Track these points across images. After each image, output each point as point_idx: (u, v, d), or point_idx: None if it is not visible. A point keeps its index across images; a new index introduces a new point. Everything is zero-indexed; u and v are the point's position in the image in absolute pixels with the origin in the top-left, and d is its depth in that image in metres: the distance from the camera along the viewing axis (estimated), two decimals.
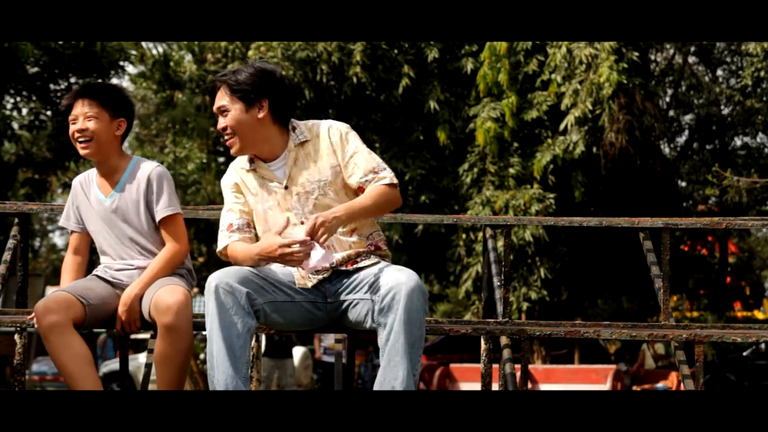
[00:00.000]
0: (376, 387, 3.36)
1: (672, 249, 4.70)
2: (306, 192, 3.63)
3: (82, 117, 3.74)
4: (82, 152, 3.78)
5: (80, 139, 3.76)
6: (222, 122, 3.67)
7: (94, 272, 3.84)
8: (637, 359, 18.15)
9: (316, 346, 15.21)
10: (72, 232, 3.91)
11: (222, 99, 3.67)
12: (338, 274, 3.60)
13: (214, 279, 3.40)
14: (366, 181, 3.62)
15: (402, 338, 3.33)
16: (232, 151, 3.70)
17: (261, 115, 3.65)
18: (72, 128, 3.77)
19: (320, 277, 3.58)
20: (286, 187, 3.66)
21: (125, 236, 3.81)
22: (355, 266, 3.59)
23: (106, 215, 3.82)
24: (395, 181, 3.66)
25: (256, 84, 3.65)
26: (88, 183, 3.88)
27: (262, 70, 3.69)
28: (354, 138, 3.69)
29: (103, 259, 3.88)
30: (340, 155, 3.65)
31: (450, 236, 14.82)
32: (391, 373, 3.34)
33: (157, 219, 3.81)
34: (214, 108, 3.71)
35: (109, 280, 3.79)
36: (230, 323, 3.37)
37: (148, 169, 3.84)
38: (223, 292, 3.37)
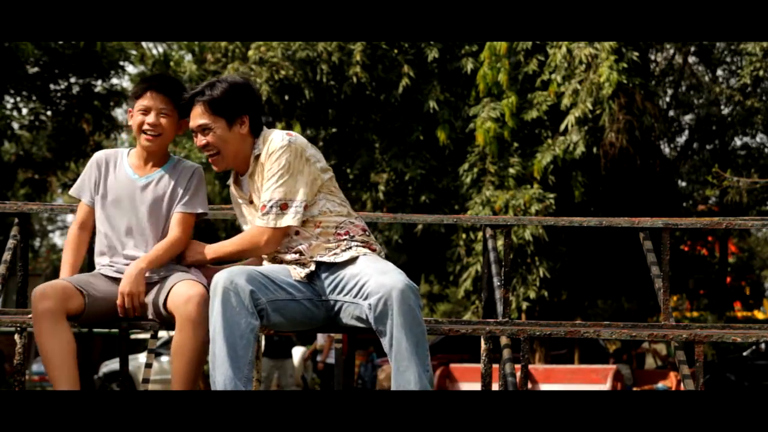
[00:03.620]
0: None
1: (672, 249, 4.70)
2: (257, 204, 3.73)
3: (156, 111, 3.77)
4: (144, 143, 3.80)
5: (150, 132, 3.78)
6: (203, 140, 3.70)
7: (98, 271, 3.82)
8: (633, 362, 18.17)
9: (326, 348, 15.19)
10: (82, 203, 3.89)
11: (201, 117, 3.68)
12: (322, 267, 3.61)
13: (220, 278, 3.41)
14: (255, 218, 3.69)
15: (404, 342, 3.34)
16: (218, 169, 3.77)
17: (243, 130, 3.70)
18: (142, 118, 3.78)
19: (307, 271, 3.60)
20: (250, 201, 3.75)
21: (141, 224, 3.80)
22: (335, 258, 3.59)
23: (131, 196, 3.80)
24: (271, 224, 3.61)
25: (236, 100, 3.68)
26: (116, 161, 3.88)
27: (237, 85, 3.72)
28: (275, 158, 3.62)
29: (103, 246, 3.83)
30: (263, 174, 3.67)
31: (450, 236, 14.82)
32: (403, 378, 3.36)
33: (183, 210, 3.82)
34: (194, 126, 3.72)
35: (115, 276, 3.77)
36: (234, 323, 3.37)
37: (193, 166, 3.90)
38: (228, 292, 3.38)
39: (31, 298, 3.55)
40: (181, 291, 3.57)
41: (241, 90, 3.71)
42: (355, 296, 3.47)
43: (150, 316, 3.74)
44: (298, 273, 3.60)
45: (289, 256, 3.65)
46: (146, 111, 3.78)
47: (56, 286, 3.56)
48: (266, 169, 3.63)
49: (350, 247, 3.62)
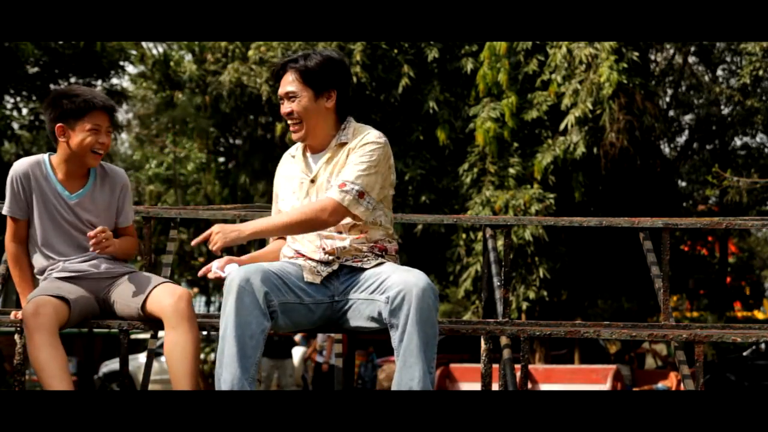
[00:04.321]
0: (394, 387, 3.39)
1: (672, 249, 4.70)
2: (322, 189, 3.67)
3: (105, 130, 3.81)
4: (92, 162, 3.82)
5: (101, 151, 3.82)
6: (288, 107, 3.67)
7: (53, 276, 3.80)
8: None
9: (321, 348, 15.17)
10: (14, 219, 3.86)
11: (291, 84, 3.66)
12: (346, 270, 3.61)
13: (236, 277, 3.40)
14: (328, 189, 3.61)
15: (416, 338, 3.35)
16: (295, 137, 3.72)
17: (329, 105, 3.67)
18: (94, 138, 3.79)
19: (330, 270, 3.59)
20: (312, 180, 3.69)
21: (79, 240, 3.81)
22: (360, 264, 3.60)
23: (65, 214, 3.81)
24: (345, 202, 3.54)
25: (327, 73, 3.66)
26: (42, 174, 3.83)
27: (332, 59, 3.69)
28: (369, 150, 3.61)
29: (48, 257, 3.83)
30: (349, 160, 3.64)
31: (450, 236, 14.82)
32: (408, 374, 3.36)
33: (127, 224, 3.95)
34: (281, 92, 3.70)
35: (71, 276, 3.78)
36: (246, 323, 3.37)
37: (123, 176, 3.97)
38: (243, 291, 3.38)
39: (23, 314, 3.56)
40: (167, 291, 3.61)
41: (334, 65, 3.68)
42: (373, 292, 3.47)
43: (119, 313, 3.78)
44: (316, 272, 3.59)
45: (318, 256, 3.64)
46: (97, 130, 3.78)
47: (47, 303, 3.57)
48: (357, 154, 3.61)
49: (377, 257, 3.64)
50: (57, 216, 3.81)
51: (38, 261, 3.85)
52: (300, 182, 3.72)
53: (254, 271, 3.43)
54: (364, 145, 3.62)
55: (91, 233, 3.71)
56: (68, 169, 3.84)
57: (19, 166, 3.84)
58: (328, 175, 3.66)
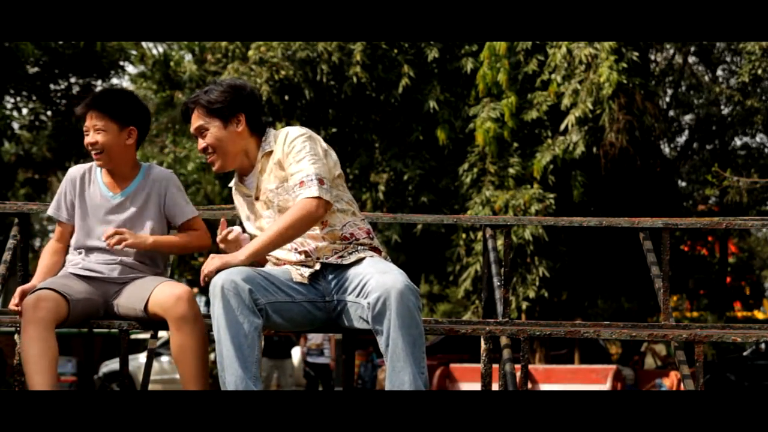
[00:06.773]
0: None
1: (672, 249, 4.70)
2: (269, 200, 3.70)
3: (92, 130, 3.79)
4: (97, 163, 3.85)
5: (92, 151, 3.82)
6: (202, 143, 3.75)
7: (68, 270, 3.82)
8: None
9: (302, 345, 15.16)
10: (59, 222, 3.91)
11: (198, 120, 3.74)
12: (330, 269, 3.62)
13: (219, 279, 3.42)
14: (295, 196, 3.60)
15: (401, 342, 3.35)
16: (214, 169, 3.79)
17: (239, 129, 3.72)
18: (85, 140, 3.83)
19: (312, 270, 3.60)
20: (256, 198, 3.74)
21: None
22: (341, 260, 3.60)
23: (105, 212, 3.83)
24: (316, 193, 3.53)
25: (230, 100, 3.72)
26: (90, 177, 3.88)
27: (232, 86, 3.77)
28: (300, 143, 3.63)
29: (77, 256, 3.85)
30: (286, 163, 3.66)
31: (450, 236, 14.82)
32: (398, 379, 3.37)
33: (184, 219, 3.90)
34: (192, 130, 3.78)
35: (85, 275, 3.78)
36: (237, 323, 3.38)
37: (165, 175, 3.93)
38: (227, 293, 3.39)
39: (23, 305, 3.56)
40: (166, 291, 3.59)
41: (235, 90, 3.75)
42: (357, 295, 3.48)
43: (125, 315, 3.77)
44: (301, 274, 3.60)
45: (294, 257, 3.65)
46: (87, 131, 3.81)
47: (48, 297, 3.57)
48: (293, 152, 3.62)
49: (356, 250, 3.63)
50: (95, 217, 3.83)
51: (71, 255, 3.89)
52: (249, 203, 3.79)
53: (237, 271, 3.44)
54: (292, 143, 3.65)
55: (104, 236, 3.73)
56: (109, 173, 3.88)
57: (72, 171, 3.93)
58: (266, 185, 3.70)
